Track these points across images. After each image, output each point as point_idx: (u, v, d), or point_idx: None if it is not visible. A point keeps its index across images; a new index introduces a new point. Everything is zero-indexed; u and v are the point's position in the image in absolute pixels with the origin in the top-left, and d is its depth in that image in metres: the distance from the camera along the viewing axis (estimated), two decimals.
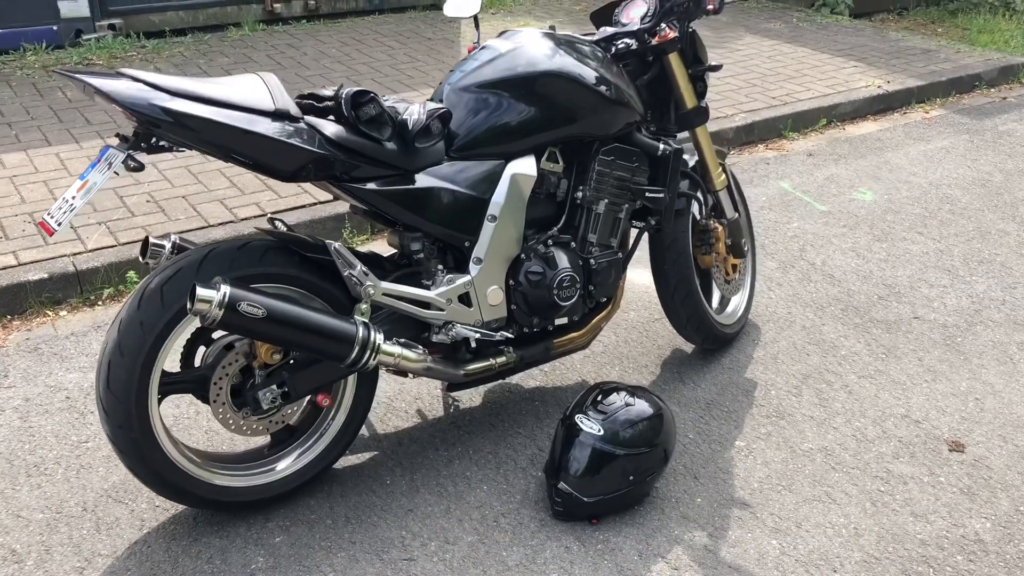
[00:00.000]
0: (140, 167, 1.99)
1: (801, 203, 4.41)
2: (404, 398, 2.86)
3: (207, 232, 3.64)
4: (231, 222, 3.75)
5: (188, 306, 1.97)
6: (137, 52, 6.03)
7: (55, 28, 5.98)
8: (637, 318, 3.36)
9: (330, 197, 3.93)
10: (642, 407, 2.41)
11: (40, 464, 2.52)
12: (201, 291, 1.95)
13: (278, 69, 5.80)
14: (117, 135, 2.06)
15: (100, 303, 3.36)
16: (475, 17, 2.70)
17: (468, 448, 2.65)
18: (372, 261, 2.40)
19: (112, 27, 6.16)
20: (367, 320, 2.22)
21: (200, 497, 2.25)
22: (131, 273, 3.41)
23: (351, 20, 7.14)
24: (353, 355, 2.15)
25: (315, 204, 3.94)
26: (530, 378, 2.97)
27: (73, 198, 1.98)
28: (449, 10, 2.68)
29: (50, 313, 3.29)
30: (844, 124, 5.56)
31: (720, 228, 2.97)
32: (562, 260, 2.49)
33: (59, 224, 1.96)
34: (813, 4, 7.90)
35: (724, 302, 3.20)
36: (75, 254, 3.44)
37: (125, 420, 2.08)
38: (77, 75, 1.93)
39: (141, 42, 6.20)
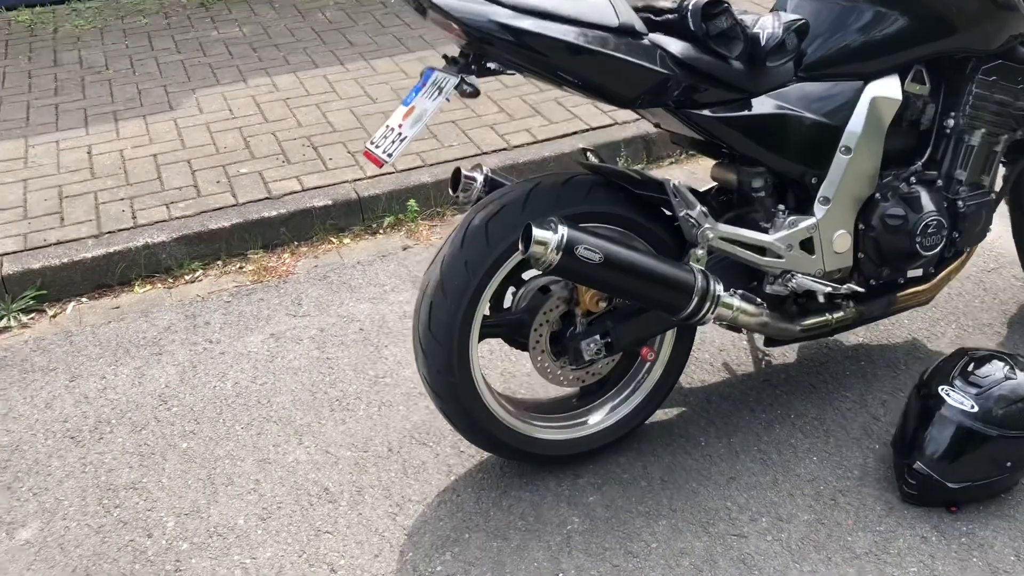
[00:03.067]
0: (475, 92, 1.79)
1: None
2: (707, 348, 2.59)
3: (483, 159, 3.49)
4: (504, 149, 3.58)
5: (522, 248, 1.78)
6: None
7: None
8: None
9: (606, 122, 3.68)
10: None
11: (342, 399, 2.48)
12: (538, 232, 1.74)
13: None
14: (444, 56, 1.88)
15: (382, 231, 3.30)
16: None
17: (788, 411, 2.36)
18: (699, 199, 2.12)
19: None
20: (704, 268, 1.95)
21: (513, 448, 2.10)
22: (411, 201, 3.31)
23: None
24: (691, 307, 1.90)
25: (588, 130, 3.69)
26: (850, 333, 2.62)
27: (400, 126, 1.83)
28: None
29: (335, 240, 3.26)
30: None
31: None
32: (927, 202, 2.11)
33: (389, 155, 1.81)
34: None
35: None
36: (355, 180, 3.39)
37: (445, 364, 1.94)
38: None
39: None
